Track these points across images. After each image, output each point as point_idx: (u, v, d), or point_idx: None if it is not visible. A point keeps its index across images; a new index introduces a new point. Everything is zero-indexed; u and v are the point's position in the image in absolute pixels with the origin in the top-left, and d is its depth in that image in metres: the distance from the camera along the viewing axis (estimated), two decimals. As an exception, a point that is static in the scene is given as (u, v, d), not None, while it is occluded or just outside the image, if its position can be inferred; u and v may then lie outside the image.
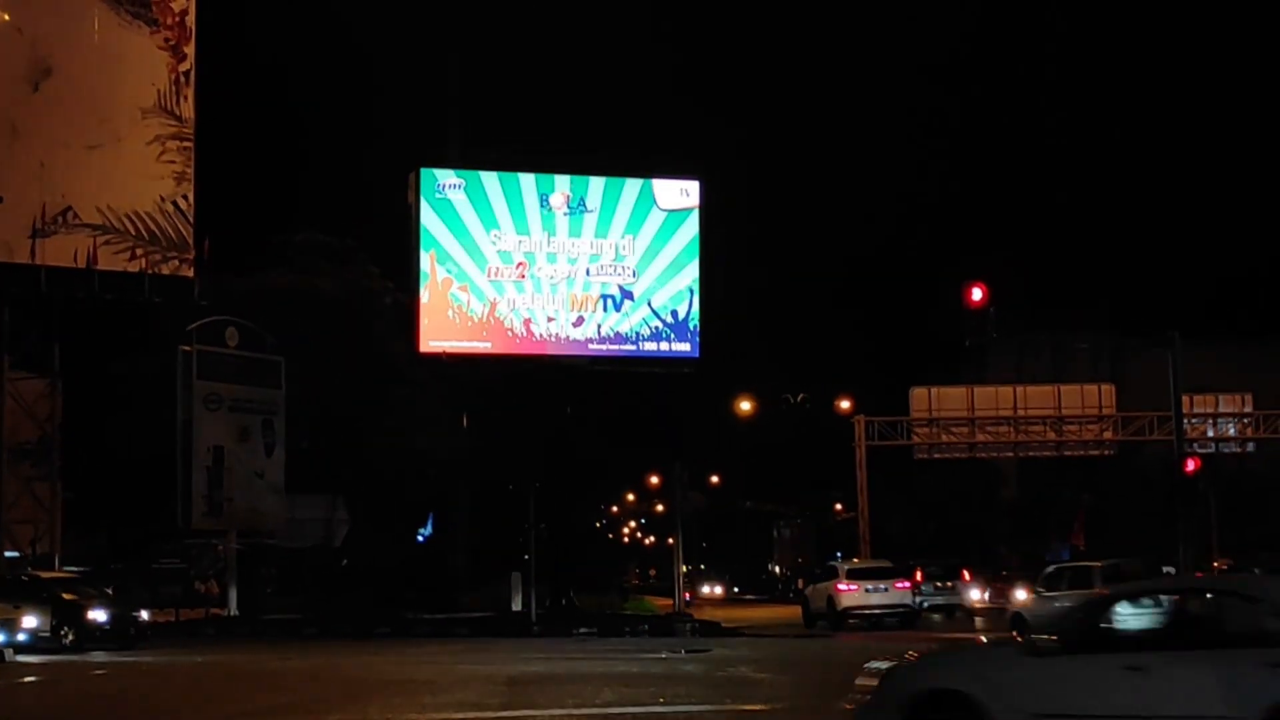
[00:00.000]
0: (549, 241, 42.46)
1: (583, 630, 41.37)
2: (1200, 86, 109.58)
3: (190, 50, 43.63)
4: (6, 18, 40.86)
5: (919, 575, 47.78)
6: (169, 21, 43.18)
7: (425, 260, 41.44)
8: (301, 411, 48.61)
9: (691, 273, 43.53)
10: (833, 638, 39.70)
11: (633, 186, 43.31)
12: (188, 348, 43.54)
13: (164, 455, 44.57)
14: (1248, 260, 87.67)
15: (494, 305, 41.98)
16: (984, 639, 17.93)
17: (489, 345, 42.34)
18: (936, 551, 69.93)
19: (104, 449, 51.72)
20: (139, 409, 50.59)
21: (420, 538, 61.59)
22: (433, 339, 41.80)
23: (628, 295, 43.09)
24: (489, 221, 41.83)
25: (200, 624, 43.67)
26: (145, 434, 48.93)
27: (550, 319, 42.47)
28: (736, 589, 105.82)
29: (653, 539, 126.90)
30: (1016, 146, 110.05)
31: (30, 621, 33.35)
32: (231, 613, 44.93)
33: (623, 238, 43.04)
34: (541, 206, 42.32)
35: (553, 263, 42.41)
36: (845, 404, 64.74)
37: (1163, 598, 13.35)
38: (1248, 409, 60.84)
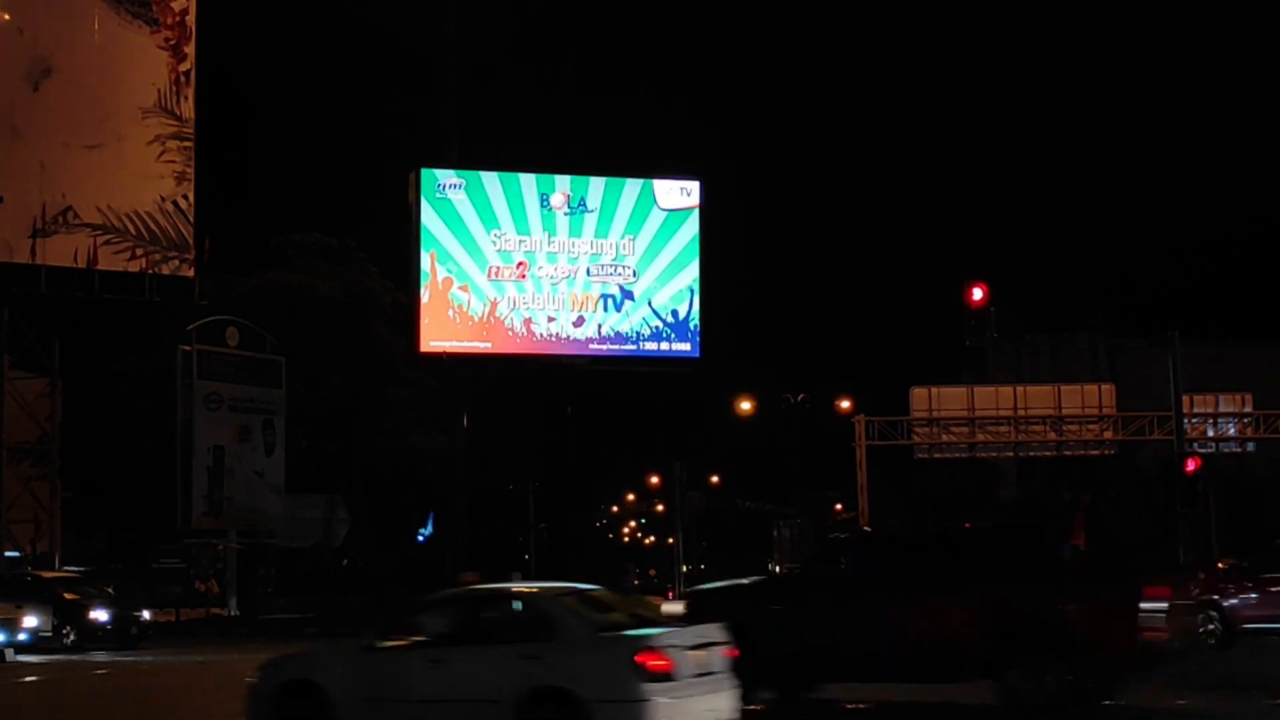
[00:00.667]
0: (549, 241, 42.44)
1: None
2: (1200, 86, 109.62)
3: (190, 50, 43.63)
4: (7, 18, 40.87)
5: None
6: (169, 21, 43.19)
7: (425, 260, 41.40)
8: (301, 411, 48.66)
9: (692, 272, 43.52)
10: None
11: (633, 186, 43.29)
12: (188, 347, 43.56)
13: (164, 455, 44.61)
14: (1248, 260, 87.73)
15: (494, 305, 41.96)
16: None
17: (489, 345, 42.31)
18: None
19: (104, 449, 51.78)
20: (139, 409, 50.65)
21: (420, 537, 61.64)
22: (433, 339, 41.75)
23: (628, 295, 43.08)
24: (489, 221, 41.81)
25: (200, 624, 43.69)
26: (145, 434, 48.99)
27: (551, 319, 42.45)
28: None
29: (653, 539, 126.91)
30: (1017, 147, 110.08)
31: (31, 621, 33.33)
32: (231, 613, 44.95)
33: (623, 237, 43.03)
34: (542, 206, 42.30)
35: (553, 263, 42.39)
36: (845, 404, 64.76)
37: (462, 605, 16.34)
38: (1248, 409, 60.82)
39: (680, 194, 43.76)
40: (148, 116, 42.76)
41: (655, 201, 43.40)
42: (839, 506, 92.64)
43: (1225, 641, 27.97)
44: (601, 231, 42.77)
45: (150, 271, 42.46)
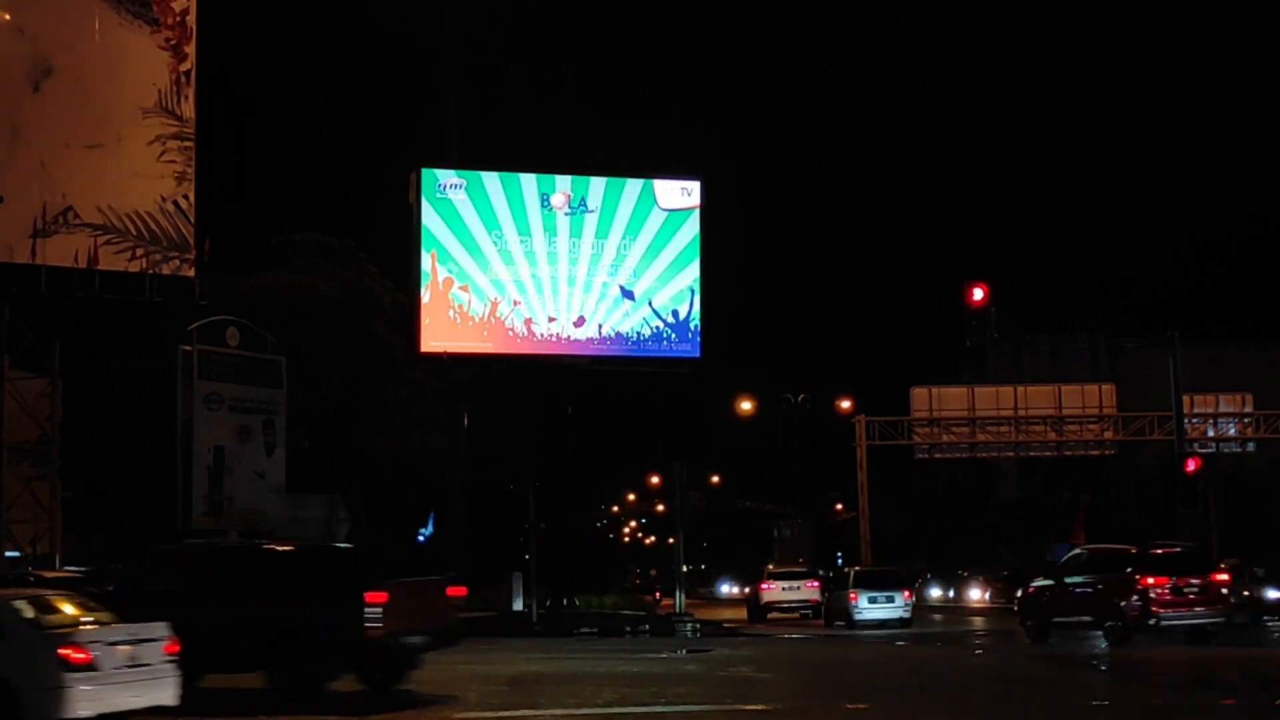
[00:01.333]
0: (550, 242, 42.45)
1: (583, 630, 41.38)
2: (1200, 86, 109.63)
3: (191, 50, 43.56)
4: (7, 17, 40.82)
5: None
6: (170, 21, 43.13)
7: (426, 260, 41.42)
8: (301, 411, 48.61)
9: (692, 273, 43.53)
10: (826, 639, 39.75)
11: (634, 186, 43.30)
12: (188, 348, 43.49)
13: (164, 455, 44.56)
14: (1248, 260, 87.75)
15: (495, 305, 41.97)
16: None
17: (490, 345, 42.33)
18: (937, 552, 70.07)
19: (104, 449, 51.75)
20: (139, 409, 50.62)
21: (421, 538, 61.62)
22: (433, 339, 41.78)
23: (629, 295, 43.10)
24: (490, 222, 41.82)
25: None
26: (145, 434, 48.95)
27: (551, 319, 42.45)
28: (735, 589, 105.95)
29: (653, 539, 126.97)
30: (1016, 147, 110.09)
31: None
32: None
33: (624, 238, 43.05)
34: (542, 207, 42.31)
35: (554, 263, 42.41)
36: (846, 404, 64.81)
37: None
38: (1248, 409, 60.87)
39: (681, 194, 43.77)
40: (148, 116, 42.68)
41: (656, 201, 43.41)
42: (839, 506, 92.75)
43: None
44: (602, 232, 42.78)
45: (150, 272, 42.39)
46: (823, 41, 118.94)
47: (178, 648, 17.73)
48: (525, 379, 45.81)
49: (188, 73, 43.52)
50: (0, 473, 42.60)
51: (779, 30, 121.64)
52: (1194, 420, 57.28)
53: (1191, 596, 31.93)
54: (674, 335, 43.57)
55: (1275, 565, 47.84)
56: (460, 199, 41.69)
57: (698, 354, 43.98)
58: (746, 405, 66.94)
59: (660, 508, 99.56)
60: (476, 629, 41.24)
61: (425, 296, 41.49)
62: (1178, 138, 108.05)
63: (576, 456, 54.40)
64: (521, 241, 42.16)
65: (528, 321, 42.17)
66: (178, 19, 43.32)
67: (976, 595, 65.42)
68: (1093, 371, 70.66)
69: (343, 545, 29.92)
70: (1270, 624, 42.48)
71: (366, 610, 20.67)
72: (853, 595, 45.34)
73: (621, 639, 39.43)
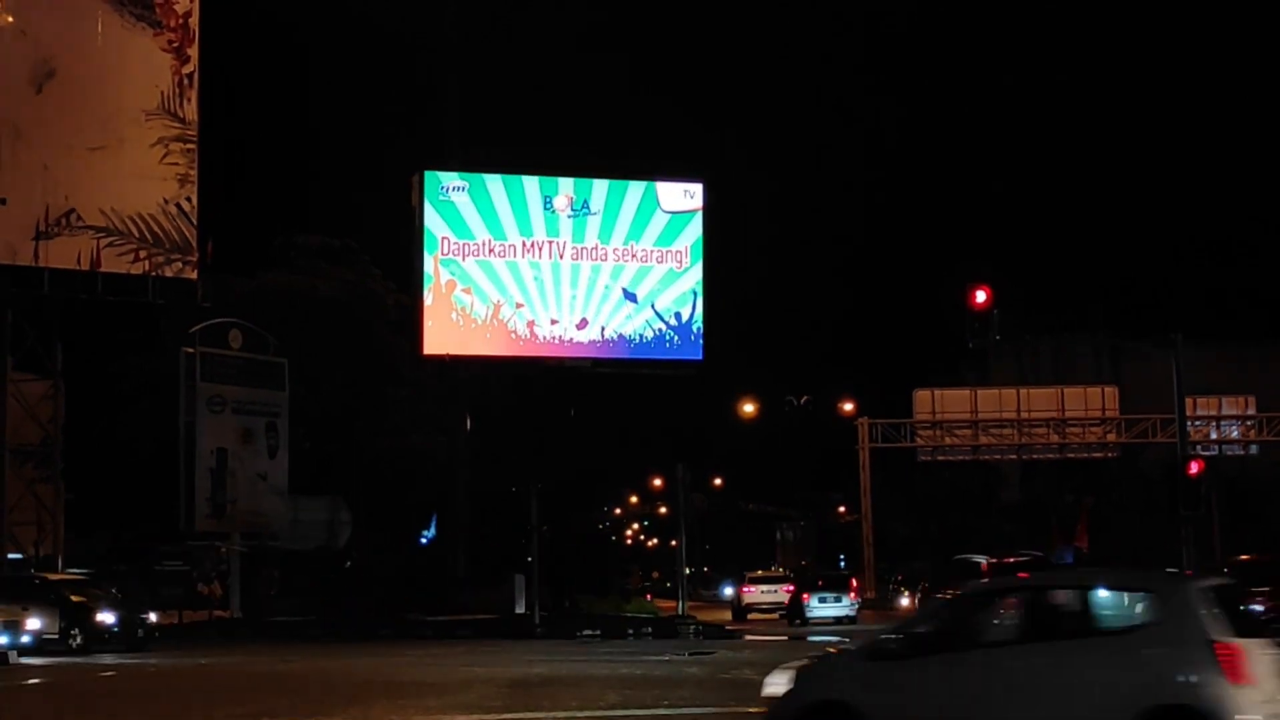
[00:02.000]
0: (552, 244, 42.42)
1: (586, 632, 41.35)
2: (1200, 86, 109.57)
3: (193, 52, 43.60)
4: (10, 20, 40.85)
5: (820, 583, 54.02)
6: (172, 24, 43.16)
7: (429, 262, 41.39)
8: (303, 412, 48.61)
9: (695, 275, 43.52)
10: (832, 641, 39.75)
11: (636, 189, 43.26)
12: (191, 350, 43.54)
13: (167, 457, 44.57)
14: (1250, 262, 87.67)
15: (497, 308, 41.94)
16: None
17: (492, 348, 42.29)
18: (940, 555, 69.92)
19: (107, 451, 51.71)
20: (142, 411, 50.61)
21: (423, 539, 61.56)
22: (436, 341, 41.74)
23: (631, 298, 43.06)
24: (493, 224, 41.80)
25: (203, 626, 43.62)
26: (148, 436, 48.94)
27: (554, 321, 42.42)
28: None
29: (655, 541, 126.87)
30: (1018, 147, 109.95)
31: (35, 624, 33.23)
32: (234, 615, 44.91)
33: (626, 240, 43.03)
34: (545, 209, 42.28)
35: (556, 265, 42.38)
36: (848, 406, 64.74)
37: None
38: (1250, 411, 60.85)
39: (683, 196, 43.73)
40: (151, 119, 42.72)
41: (658, 204, 43.37)
42: (842, 509, 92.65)
43: None
44: (605, 234, 42.75)
45: (153, 273, 42.43)
46: (823, 42, 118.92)
47: None
48: (528, 381, 45.78)
49: (190, 75, 43.55)
50: (3, 475, 42.64)
51: (779, 31, 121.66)
52: (1197, 423, 57.27)
53: None
54: (676, 338, 43.53)
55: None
56: (463, 201, 41.65)
57: (700, 356, 43.93)
58: (749, 407, 66.89)
59: (663, 510, 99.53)
60: (478, 631, 41.29)
61: (428, 299, 41.44)
62: (1177, 137, 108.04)
63: (579, 458, 54.39)
64: (524, 244, 42.12)
65: (530, 324, 42.14)
66: (180, 21, 43.36)
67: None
68: (1095, 373, 70.68)
69: None
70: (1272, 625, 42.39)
71: None
72: (805, 596, 50.10)
73: (624, 641, 39.39)
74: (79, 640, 34.23)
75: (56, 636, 34.09)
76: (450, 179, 41.95)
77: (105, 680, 26.89)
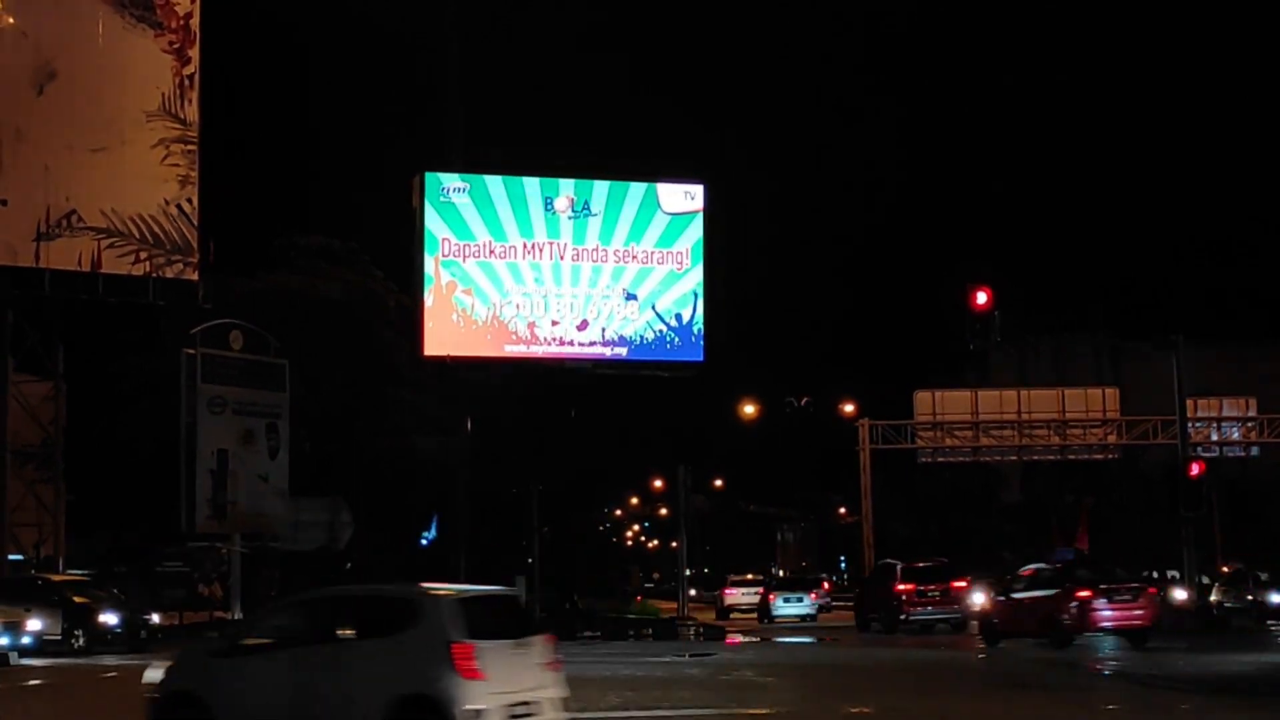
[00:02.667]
0: (553, 245, 42.42)
1: (587, 634, 41.35)
2: (1200, 86, 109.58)
3: (194, 53, 43.61)
4: (11, 21, 40.87)
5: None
6: (173, 25, 43.17)
7: (429, 263, 41.39)
8: (303, 413, 48.60)
9: (696, 276, 43.52)
10: (831, 643, 39.79)
11: (637, 190, 43.26)
12: (192, 351, 43.53)
13: (167, 458, 44.55)
14: (1250, 262, 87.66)
15: (498, 309, 41.94)
16: None
17: (493, 349, 42.28)
18: (940, 556, 69.81)
19: (107, 452, 51.71)
20: (142, 412, 50.60)
21: (423, 540, 61.59)
22: (437, 343, 41.73)
23: (632, 299, 43.08)
24: (493, 225, 41.80)
25: (204, 627, 43.63)
26: (149, 437, 48.93)
27: (554, 322, 42.41)
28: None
29: (656, 542, 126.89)
30: (1018, 148, 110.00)
31: (35, 624, 33.20)
32: (235, 615, 44.90)
33: (627, 242, 43.04)
34: (546, 210, 42.28)
35: (557, 267, 42.38)
36: (849, 407, 64.68)
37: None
38: (1251, 413, 60.82)
39: (684, 198, 43.73)
40: (152, 120, 42.75)
41: (659, 205, 43.37)
42: (842, 510, 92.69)
43: None
44: (605, 235, 42.76)
45: (154, 274, 42.45)
46: (823, 42, 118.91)
47: None
48: (528, 382, 45.79)
49: (191, 76, 43.57)
50: (4, 476, 42.65)
51: (779, 31, 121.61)
52: (1197, 424, 57.24)
53: (934, 599, 43.10)
54: (677, 339, 43.54)
55: (1278, 569, 47.80)
56: (463, 202, 41.66)
57: (701, 357, 43.92)
58: (750, 408, 66.82)
59: (663, 511, 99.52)
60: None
61: (429, 300, 41.45)
62: (1177, 137, 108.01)
63: (579, 460, 54.43)
64: (525, 245, 42.12)
65: (531, 325, 42.14)
66: (181, 22, 43.37)
67: (980, 600, 65.19)
68: (1096, 374, 70.64)
69: None
70: (1274, 628, 42.45)
71: None
72: (771, 596, 55.48)
73: (625, 642, 39.41)
74: (81, 641, 34.22)
75: (59, 637, 34.08)
76: (451, 180, 41.96)
77: (108, 682, 26.88)
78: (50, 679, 27.21)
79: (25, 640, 32.11)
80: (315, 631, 15.79)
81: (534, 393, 46.98)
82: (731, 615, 60.19)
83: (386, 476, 54.29)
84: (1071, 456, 62.55)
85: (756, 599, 59.28)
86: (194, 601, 49.32)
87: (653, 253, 43.19)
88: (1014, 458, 64.34)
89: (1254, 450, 61.76)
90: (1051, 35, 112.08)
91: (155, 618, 37.33)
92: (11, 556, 43.32)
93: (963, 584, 44.29)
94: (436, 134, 51.86)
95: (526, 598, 43.58)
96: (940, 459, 62.05)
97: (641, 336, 43.26)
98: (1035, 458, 64.23)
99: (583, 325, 42.60)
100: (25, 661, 30.82)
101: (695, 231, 43.60)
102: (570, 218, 42.50)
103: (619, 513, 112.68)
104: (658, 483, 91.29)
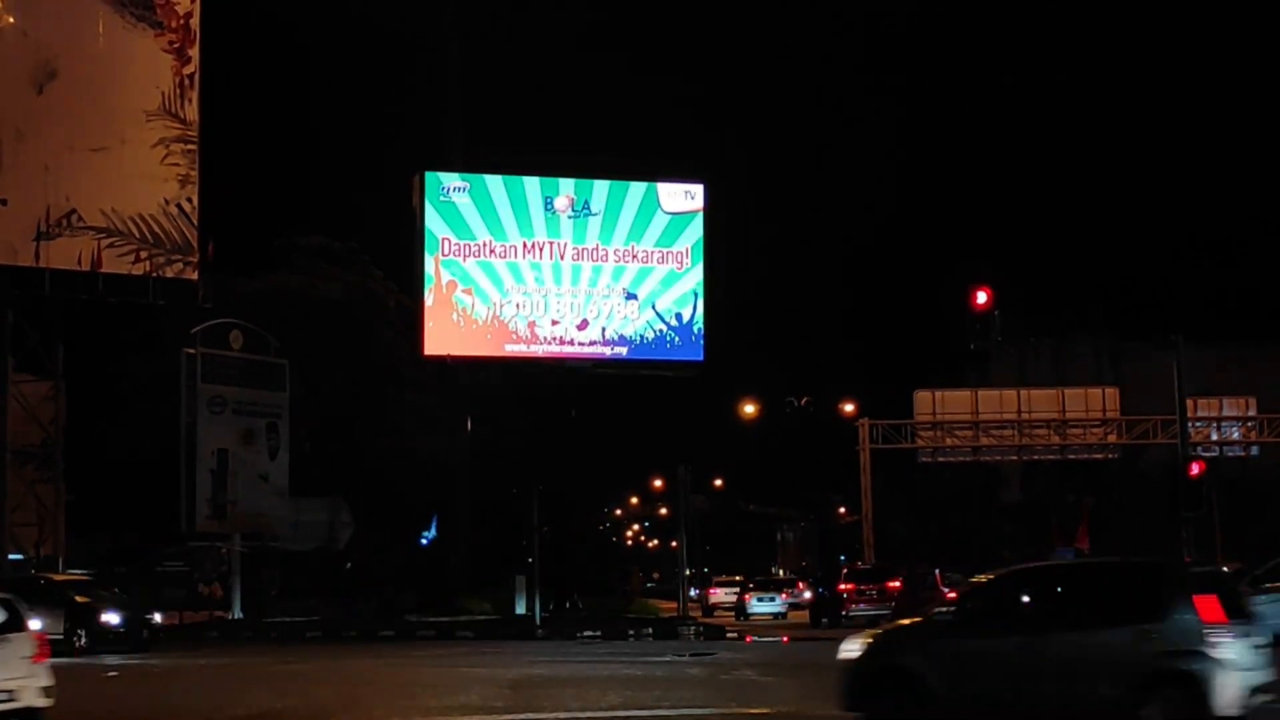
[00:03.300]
0: (553, 245, 42.42)
1: (587, 633, 41.34)
2: (1200, 86, 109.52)
3: (194, 53, 43.60)
4: (11, 20, 40.86)
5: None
6: (173, 24, 43.17)
7: (429, 263, 41.39)
8: (304, 414, 48.61)
9: (696, 276, 43.52)
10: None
11: (637, 189, 43.25)
12: (192, 350, 43.53)
13: (167, 458, 44.55)
14: (1252, 262, 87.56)
15: (498, 308, 41.95)
16: None
17: (493, 348, 42.29)
18: (941, 555, 69.79)
19: (107, 452, 51.75)
20: (143, 412, 50.65)
21: (423, 540, 61.58)
22: (437, 342, 41.74)
23: (632, 298, 43.08)
24: (493, 224, 41.80)
25: (204, 627, 43.65)
26: (149, 437, 48.97)
27: (555, 322, 42.41)
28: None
29: (656, 542, 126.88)
30: (1017, 148, 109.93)
31: (36, 624, 33.12)
32: (235, 616, 44.91)
33: (627, 241, 43.03)
34: (546, 209, 42.27)
35: (557, 266, 42.39)
36: (849, 407, 64.63)
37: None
38: (1252, 412, 60.78)
39: (684, 197, 43.73)
40: (152, 119, 42.74)
41: (659, 205, 43.37)
42: (842, 509, 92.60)
43: None
44: (605, 235, 42.75)
45: (154, 274, 42.44)
46: (823, 42, 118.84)
47: None
48: (528, 382, 45.78)
49: (191, 75, 43.56)
50: (4, 476, 42.65)
51: (779, 30, 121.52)
52: (1198, 424, 57.22)
53: (871, 597, 47.70)
54: (677, 338, 43.53)
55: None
56: (464, 202, 41.66)
57: (701, 357, 43.92)
58: (750, 408, 66.80)
59: (663, 511, 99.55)
60: (479, 632, 41.30)
61: (429, 299, 41.45)
62: (1177, 137, 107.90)
63: (579, 459, 54.39)
64: (525, 245, 42.13)
65: (531, 324, 42.14)
66: (181, 22, 43.36)
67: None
68: (1096, 374, 70.57)
69: None
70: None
71: None
72: (746, 596, 61.39)
73: (625, 642, 39.40)
74: (84, 641, 34.19)
75: (61, 637, 34.04)
76: (451, 180, 41.97)
77: (110, 680, 26.87)
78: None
79: (24, 640, 32.03)
80: None
81: (534, 393, 46.98)
82: (715, 613, 63.72)
83: (386, 477, 54.32)
84: (1071, 456, 62.51)
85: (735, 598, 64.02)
86: (194, 601, 49.33)
87: (653, 252, 43.18)
88: (1014, 458, 64.29)
89: (1254, 450, 61.70)
90: (1051, 35, 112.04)
91: (158, 617, 37.31)
92: (11, 556, 43.31)
93: (896, 584, 47.06)
94: (436, 134, 51.93)
95: (529, 597, 43.57)
96: (940, 459, 62.02)
97: (642, 336, 43.26)
98: (1035, 458, 64.20)
99: (583, 325, 42.60)
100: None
101: (695, 231, 43.60)
102: (570, 217, 42.49)
103: (619, 513, 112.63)
104: (658, 483, 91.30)
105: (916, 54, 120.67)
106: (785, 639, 41.26)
